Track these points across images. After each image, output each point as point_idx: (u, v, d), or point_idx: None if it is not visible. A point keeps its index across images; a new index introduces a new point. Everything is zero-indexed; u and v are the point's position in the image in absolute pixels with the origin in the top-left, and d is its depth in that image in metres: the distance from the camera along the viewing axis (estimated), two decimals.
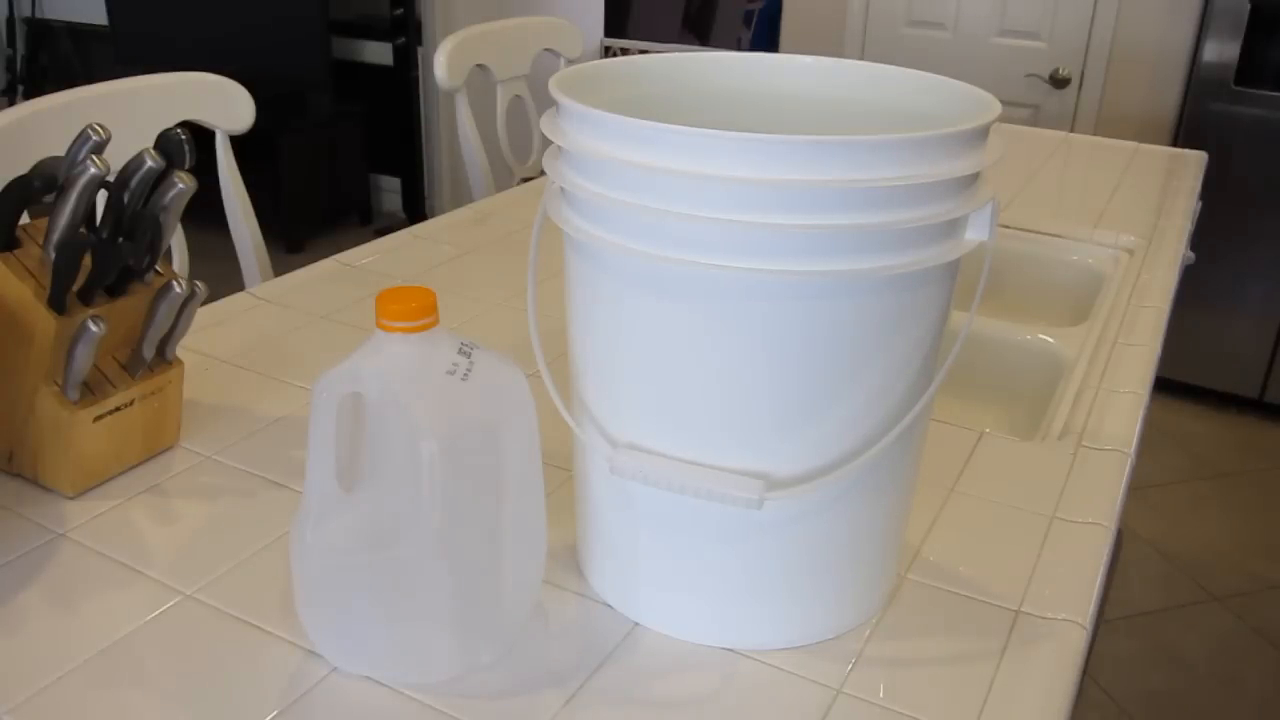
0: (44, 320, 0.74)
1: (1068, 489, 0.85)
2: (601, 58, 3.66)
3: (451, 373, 0.59)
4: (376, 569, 0.60)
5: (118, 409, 0.79)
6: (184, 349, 0.83)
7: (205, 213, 1.20)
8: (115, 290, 0.78)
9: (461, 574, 0.61)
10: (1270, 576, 2.23)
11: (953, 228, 0.59)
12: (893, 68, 0.72)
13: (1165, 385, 2.92)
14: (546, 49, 1.89)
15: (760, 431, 0.60)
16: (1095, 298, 1.27)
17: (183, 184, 0.76)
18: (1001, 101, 0.62)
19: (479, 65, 1.72)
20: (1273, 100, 2.56)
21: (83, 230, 0.76)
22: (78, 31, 4.22)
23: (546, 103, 2.33)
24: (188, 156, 0.77)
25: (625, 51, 3.62)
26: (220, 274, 1.12)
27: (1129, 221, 1.47)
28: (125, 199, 0.76)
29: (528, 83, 1.84)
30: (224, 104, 1.33)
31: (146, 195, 0.76)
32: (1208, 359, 2.81)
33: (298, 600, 0.64)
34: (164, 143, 0.76)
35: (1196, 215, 1.57)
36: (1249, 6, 2.52)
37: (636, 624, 0.68)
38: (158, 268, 0.81)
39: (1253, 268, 2.69)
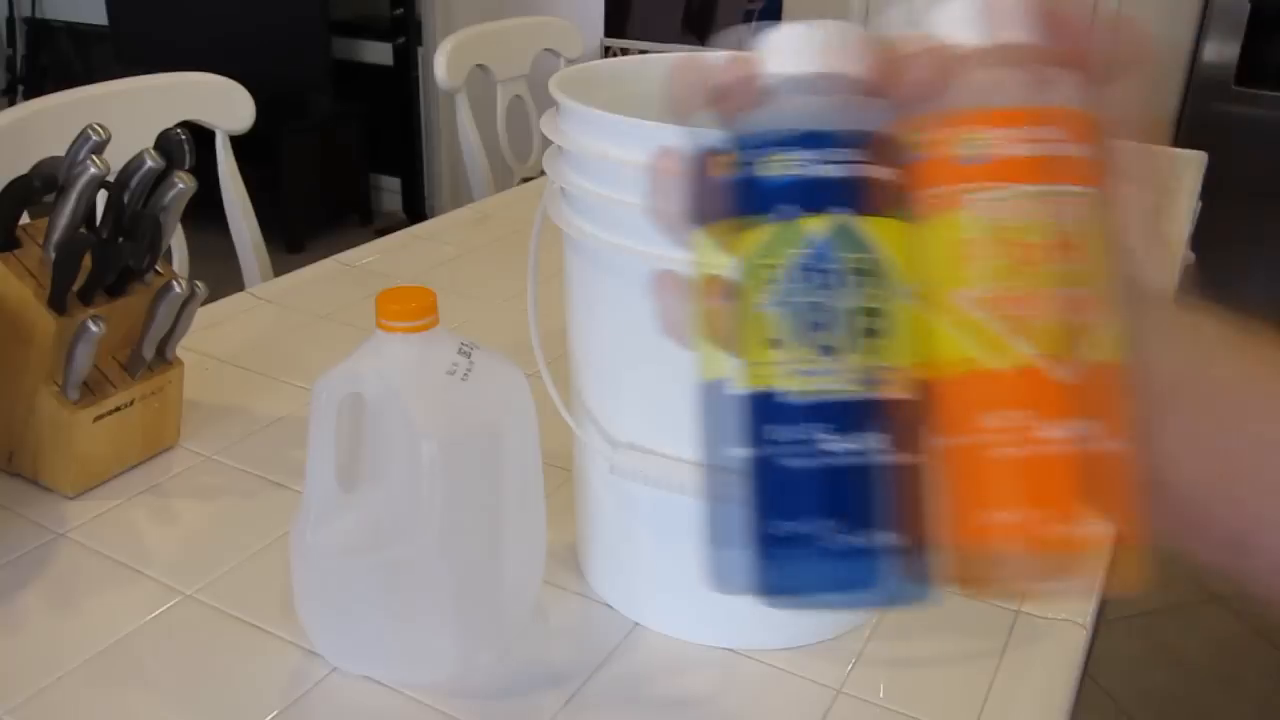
0: (44, 320, 0.74)
1: None
2: (602, 58, 3.66)
3: (451, 373, 0.59)
4: (376, 569, 0.60)
5: (118, 409, 0.79)
6: (184, 349, 0.83)
7: (205, 213, 1.20)
8: (115, 290, 0.78)
9: (461, 574, 0.61)
10: None
11: None
12: None
13: None
14: (546, 49, 1.89)
15: None
16: None
17: (183, 184, 0.76)
18: None
19: (479, 65, 1.72)
20: (1273, 100, 2.56)
21: (83, 230, 0.76)
22: (78, 31, 4.22)
23: (546, 103, 2.33)
24: (188, 156, 0.77)
25: (625, 51, 3.62)
26: (220, 274, 1.12)
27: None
28: (125, 199, 0.76)
29: (528, 83, 1.85)
30: (224, 104, 1.33)
31: (146, 195, 0.76)
32: None
33: (298, 600, 0.64)
34: (164, 143, 0.76)
35: (1196, 215, 1.57)
36: (1249, 7, 2.52)
37: (636, 624, 0.68)
38: (158, 268, 0.81)
39: (1253, 268, 2.69)
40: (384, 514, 0.60)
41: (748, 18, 3.48)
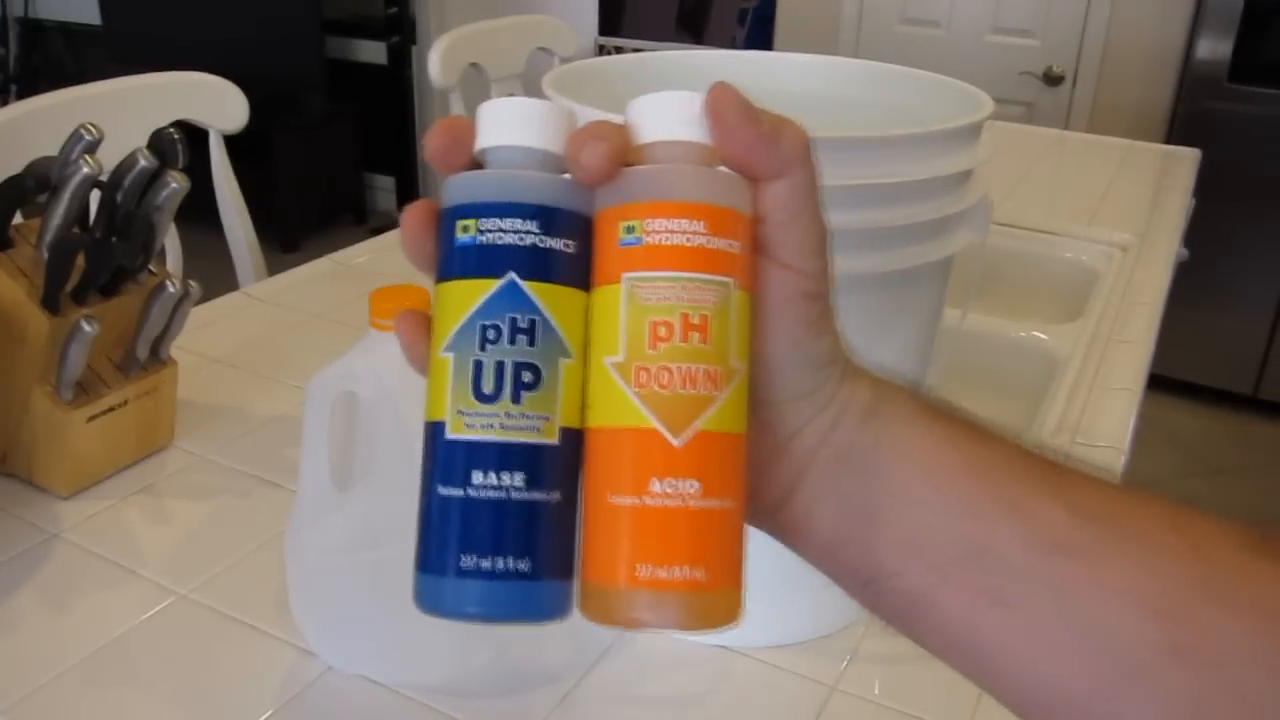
0: (37, 320, 0.74)
1: None
2: (596, 56, 3.65)
3: None
4: (371, 568, 0.60)
5: (111, 409, 0.78)
6: (178, 349, 0.83)
7: (199, 212, 1.20)
8: (109, 290, 0.78)
9: None
10: None
11: (945, 225, 0.59)
12: (886, 65, 0.72)
13: (1159, 382, 2.92)
14: (540, 48, 1.89)
15: None
16: (1089, 295, 1.27)
17: (176, 183, 0.75)
18: (995, 99, 0.62)
19: (473, 64, 1.72)
20: (1266, 97, 2.57)
21: (76, 230, 0.76)
22: (71, 31, 4.21)
23: None
24: (181, 156, 0.77)
25: (620, 50, 3.62)
26: (214, 273, 1.12)
27: (1123, 219, 1.47)
28: (118, 198, 0.76)
29: (522, 81, 1.84)
30: (217, 103, 1.33)
31: (140, 195, 0.76)
32: (1201, 355, 2.82)
33: (292, 599, 0.64)
34: (157, 142, 0.76)
35: (1190, 212, 1.57)
36: (1242, 4, 2.53)
37: None
38: (151, 267, 0.81)
39: (1246, 264, 2.70)
40: (378, 513, 0.60)
41: (742, 16, 3.48)
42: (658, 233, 0.31)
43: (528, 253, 0.31)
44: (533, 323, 0.31)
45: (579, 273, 0.32)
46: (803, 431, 0.33)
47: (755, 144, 0.32)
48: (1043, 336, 1.17)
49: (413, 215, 0.33)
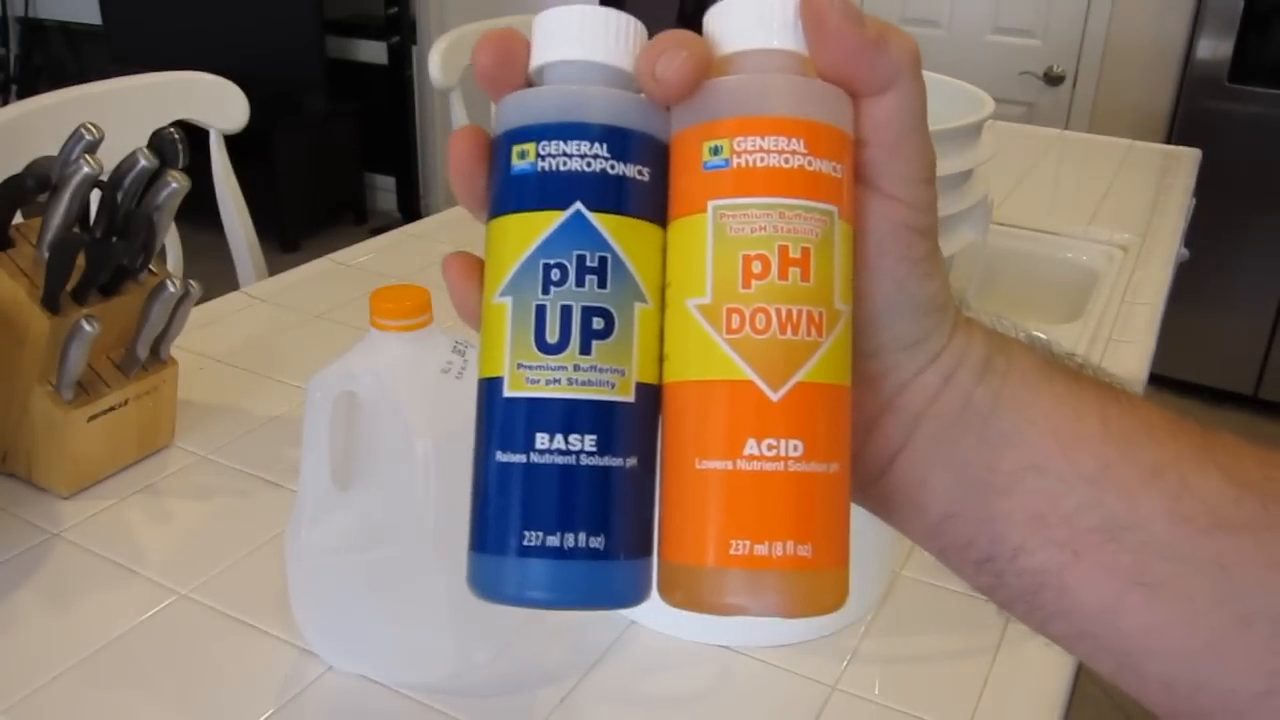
0: (38, 320, 0.74)
1: None
2: None
3: (446, 371, 0.59)
4: (371, 568, 0.60)
5: (112, 409, 0.78)
6: (178, 348, 0.83)
7: (199, 212, 1.20)
8: (109, 290, 0.78)
9: (457, 572, 0.60)
10: None
11: (945, 225, 0.59)
12: None
13: (1159, 382, 2.93)
14: None
15: None
16: (1089, 295, 1.27)
17: (176, 183, 0.75)
18: (996, 99, 0.62)
19: (473, 64, 1.72)
20: (1267, 97, 2.57)
21: (76, 230, 0.76)
22: (71, 31, 4.20)
23: None
24: (181, 155, 0.77)
25: None
26: (215, 273, 1.12)
27: (1123, 218, 1.47)
28: (119, 198, 0.76)
29: None
30: (218, 103, 1.33)
31: (140, 194, 0.76)
32: (1202, 355, 2.82)
33: (293, 599, 0.64)
34: (157, 142, 0.76)
35: (1191, 212, 1.57)
36: (1241, 4, 2.52)
37: (632, 621, 0.68)
38: (151, 267, 0.81)
39: (1247, 264, 2.69)
40: (379, 513, 0.60)
41: None
42: (749, 153, 0.27)
43: (596, 180, 0.27)
44: (603, 260, 0.27)
45: (654, 205, 0.28)
46: (910, 386, 0.29)
47: (859, 51, 0.27)
48: (1043, 336, 1.17)
49: (460, 144, 0.29)
